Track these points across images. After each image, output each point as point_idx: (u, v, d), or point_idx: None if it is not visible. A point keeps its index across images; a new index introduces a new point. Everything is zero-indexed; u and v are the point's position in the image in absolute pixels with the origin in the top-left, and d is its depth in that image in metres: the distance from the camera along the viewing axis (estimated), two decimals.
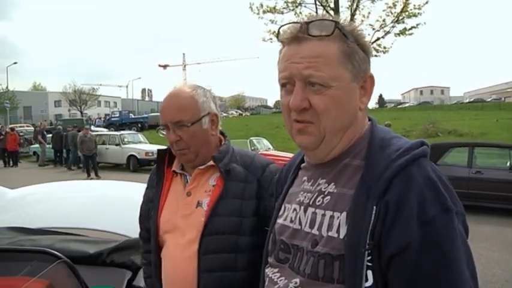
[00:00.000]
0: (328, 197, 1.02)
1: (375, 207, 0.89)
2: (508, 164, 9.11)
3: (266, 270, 1.15)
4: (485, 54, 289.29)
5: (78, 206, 2.74)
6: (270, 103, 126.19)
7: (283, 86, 1.04)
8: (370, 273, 0.88)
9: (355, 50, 1.00)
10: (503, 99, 61.17)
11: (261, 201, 1.52)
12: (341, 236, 0.94)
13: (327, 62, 0.97)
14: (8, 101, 33.89)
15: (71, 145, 18.40)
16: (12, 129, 22.07)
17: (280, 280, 1.06)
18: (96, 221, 2.52)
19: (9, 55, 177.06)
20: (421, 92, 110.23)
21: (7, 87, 46.18)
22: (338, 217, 0.97)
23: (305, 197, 1.08)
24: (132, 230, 2.39)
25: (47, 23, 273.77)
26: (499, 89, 76.48)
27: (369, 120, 1.10)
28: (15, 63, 40.05)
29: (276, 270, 1.10)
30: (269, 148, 14.06)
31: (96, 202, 2.84)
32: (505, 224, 7.95)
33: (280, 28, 1.07)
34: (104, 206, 2.77)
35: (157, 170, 1.71)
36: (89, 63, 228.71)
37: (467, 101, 68.29)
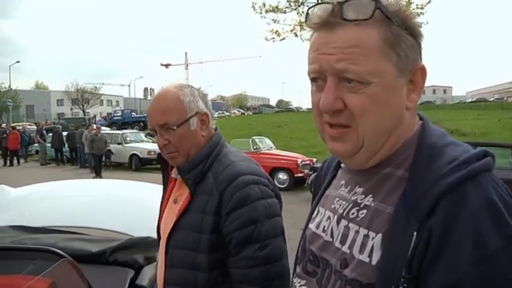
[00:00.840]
0: (364, 211, 0.87)
1: (415, 233, 0.73)
2: (510, 163, 9.09)
3: (294, 279, 1.03)
4: (487, 53, 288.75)
5: (81, 205, 2.75)
6: (272, 102, 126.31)
7: (313, 80, 0.87)
8: None
9: (401, 36, 0.82)
10: (505, 98, 60.92)
11: (220, 217, 1.38)
12: (373, 262, 0.80)
13: (365, 53, 0.80)
14: (11, 99, 33.96)
15: (78, 143, 18.41)
16: (13, 127, 22.01)
17: None
18: (99, 220, 2.52)
19: (11, 54, 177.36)
20: (424, 92, 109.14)
21: (10, 86, 46.30)
22: (373, 238, 0.82)
23: (340, 205, 0.95)
24: (134, 228, 2.40)
25: (50, 21, 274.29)
26: (501, 89, 76.17)
27: (420, 119, 0.91)
28: (17, 62, 40.12)
29: (303, 282, 0.99)
30: (271, 147, 14.03)
31: (99, 201, 2.85)
32: None
33: (308, 10, 0.88)
34: (106, 204, 2.78)
35: (163, 174, 1.67)
36: (92, 62, 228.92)
37: (469, 100, 68.15)
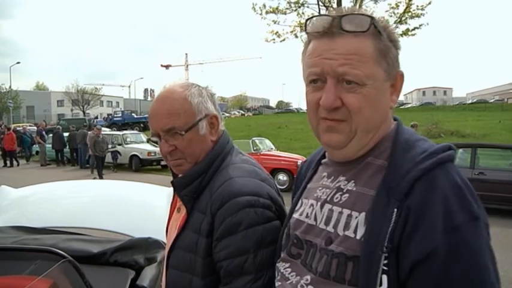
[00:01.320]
0: (347, 195, 0.99)
1: (395, 209, 0.86)
2: (511, 165, 9.10)
3: (278, 264, 1.11)
4: (488, 55, 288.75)
5: (82, 206, 2.75)
6: (272, 103, 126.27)
7: (311, 82, 0.99)
8: (385, 277, 0.85)
9: (389, 48, 0.97)
10: (506, 100, 60.93)
11: (212, 241, 1.23)
12: (358, 237, 0.91)
13: (363, 59, 0.93)
14: (11, 100, 33.98)
15: (80, 144, 18.39)
16: (8, 128, 21.75)
17: (292, 276, 1.04)
18: (99, 221, 2.52)
19: (11, 54, 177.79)
20: (424, 93, 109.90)
21: (10, 86, 46.32)
22: (356, 217, 0.94)
23: (323, 192, 1.05)
24: (135, 229, 2.40)
25: (50, 22, 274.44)
26: (502, 90, 76.24)
27: (395, 120, 1.06)
28: (18, 63, 40.07)
29: (287, 265, 1.07)
30: (271, 148, 14.03)
31: (100, 202, 2.85)
32: (508, 225, 7.92)
33: (307, 20, 1.00)
34: (107, 205, 2.78)
35: (173, 176, 1.46)
36: (92, 63, 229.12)
37: (470, 101, 68.08)
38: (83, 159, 18.41)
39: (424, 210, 0.84)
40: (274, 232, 1.20)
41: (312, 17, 1.01)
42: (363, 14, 0.96)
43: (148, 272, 2.01)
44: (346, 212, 0.97)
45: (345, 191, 1.00)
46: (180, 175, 1.35)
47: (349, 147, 0.99)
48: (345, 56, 0.93)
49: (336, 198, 1.01)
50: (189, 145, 1.30)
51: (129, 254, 2.13)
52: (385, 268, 0.85)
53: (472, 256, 0.82)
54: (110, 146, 16.81)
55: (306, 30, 1.01)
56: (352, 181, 1.00)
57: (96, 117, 47.45)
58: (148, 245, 2.21)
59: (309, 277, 0.99)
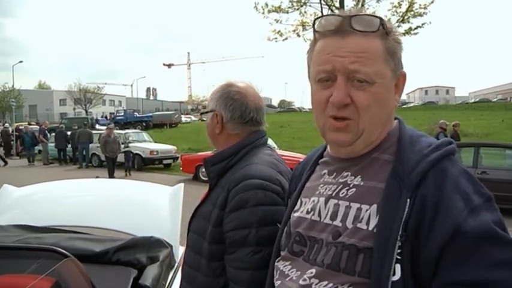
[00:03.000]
0: (354, 189, 1.00)
1: (408, 199, 0.88)
2: None
3: (277, 263, 1.12)
4: (491, 53, 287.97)
5: (84, 205, 2.76)
6: (275, 102, 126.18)
7: (320, 80, 1.00)
8: (398, 267, 0.86)
9: (396, 48, 1.00)
10: (509, 99, 60.80)
11: (223, 214, 1.43)
12: (370, 228, 0.93)
13: (373, 57, 0.96)
14: (14, 99, 34.05)
15: (80, 143, 18.39)
16: None
17: (292, 272, 1.05)
18: (102, 220, 2.53)
19: (14, 53, 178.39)
20: (426, 92, 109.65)
21: (13, 85, 46.40)
22: (367, 209, 0.95)
23: (326, 189, 1.06)
24: (137, 228, 2.40)
25: (52, 21, 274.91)
26: (504, 89, 76.05)
27: (395, 118, 1.09)
28: (20, 61, 40.11)
29: (287, 263, 1.08)
30: (274, 147, 14.00)
31: (102, 201, 2.86)
32: (511, 225, 7.91)
33: (316, 19, 1.03)
34: (109, 204, 2.79)
35: None
36: (94, 61, 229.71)
37: (472, 101, 67.88)
38: (81, 158, 18.40)
39: (441, 197, 0.87)
40: (276, 214, 1.36)
41: (320, 16, 1.03)
42: (370, 15, 0.99)
43: (151, 271, 2.02)
44: (355, 205, 0.97)
45: (351, 185, 1.01)
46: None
47: (357, 144, 1.01)
48: (356, 54, 0.95)
49: (342, 193, 1.02)
50: (206, 127, 1.66)
51: (132, 253, 2.13)
52: (398, 257, 0.87)
53: (498, 232, 0.84)
54: (122, 146, 15.74)
55: (314, 29, 1.03)
56: (359, 176, 1.01)
57: (106, 117, 47.26)
58: (151, 244, 2.22)
59: (313, 270, 0.99)
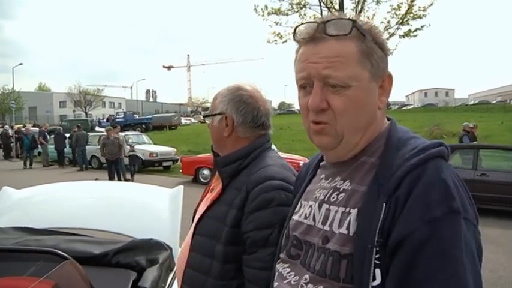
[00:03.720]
0: (343, 194, 1.01)
1: (384, 204, 0.88)
2: None
3: (277, 265, 1.14)
4: (490, 56, 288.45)
5: (84, 207, 2.76)
6: (274, 105, 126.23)
7: (301, 87, 1.04)
8: (378, 271, 0.87)
9: (373, 49, 0.99)
10: (508, 101, 60.87)
11: (242, 214, 1.43)
12: (350, 233, 0.93)
13: (346, 61, 0.97)
14: (14, 101, 34.04)
15: (74, 145, 18.38)
16: None
17: (290, 275, 1.06)
18: (101, 222, 2.53)
19: (14, 55, 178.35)
20: (426, 94, 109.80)
21: (13, 87, 46.40)
22: (350, 213, 0.96)
23: (320, 193, 1.08)
24: (137, 230, 2.40)
25: (52, 23, 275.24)
26: (504, 91, 76.10)
27: (388, 120, 1.09)
28: (20, 64, 40.06)
29: (286, 265, 1.10)
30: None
31: (102, 203, 2.85)
32: (510, 227, 7.89)
33: (296, 28, 1.05)
34: (109, 206, 2.78)
35: (213, 164, 1.74)
36: (94, 64, 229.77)
37: (472, 103, 68.03)
38: (80, 160, 18.40)
39: (407, 201, 0.86)
40: None
41: (299, 25, 1.05)
42: (344, 18, 1.00)
43: (150, 274, 2.01)
44: (341, 210, 0.99)
45: (341, 190, 1.03)
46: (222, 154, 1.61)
47: (339, 148, 1.03)
48: (329, 59, 0.97)
49: (333, 197, 1.03)
50: (210, 128, 1.64)
51: (131, 255, 2.13)
52: (377, 262, 0.87)
53: (444, 248, 0.82)
54: (127, 149, 15.11)
55: (294, 38, 1.06)
56: (348, 180, 1.02)
57: (107, 119, 47.07)
58: (150, 247, 2.22)
59: (307, 276, 1.01)
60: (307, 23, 1.04)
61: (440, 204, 0.84)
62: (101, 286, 1.65)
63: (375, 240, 0.87)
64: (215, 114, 1.59)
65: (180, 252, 1.67)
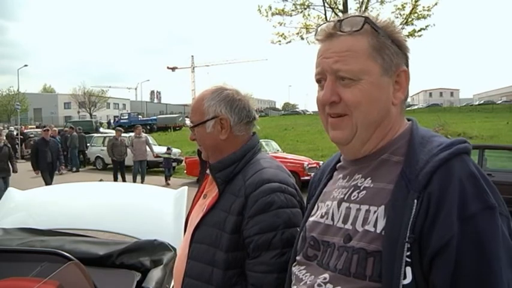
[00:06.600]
0: (364, 192, 1.00)
1: (415, 200, 0.87)
2: None
3: (293, 268, 1.13)
4: (495, 55, 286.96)
5: (88, 208, 2.76)
6: (279, 105, 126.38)
7: (317, 81, 1.07)
8: (409, 270, 0.85)
9: (386, 44, 1.01)
10: None
11: (242, 219, 1.41)
12: (378, 230, 0.92)
13: (355, 55, 0.99)
14: (19, 103, 34.20)
15: (70, 147, 18.43)
16: None
17: (306, 276, 1.05)
18: (105, 223, 2.53)
19: (19, 57, 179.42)
20: (430, 94, 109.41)
21: (18, 89, 46.64)
22: (375, 211, 0.94)
23: (339, 192, 1.07)
24: (141, 232, 2.40)
25: (57, 24, 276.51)
26: (509, 91, 75.70)
27: (409, 120, 1.09)
28: (25, 65, 40.19)
29: (302, 267, 1.08)
30: (278, 150, 13.97)
31: (106, 204, 2.86)
32: None
33: (317, 28, 1.09)
34: (113, 208, 2.79)
35: (201, 168, 1.72)
36: (98, 65, 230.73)
37: (477, 103, 67.65)
38: (74, 162, 18.43)
39: (442, 199, 0.85)
40: (298, 217, 1.39)
41: (321, 25, 1.09)
42: (358, 15, 1.03)
43: (154, 274, 2.01)
44: (364, 207, 0.98)
45: (361, 188, 1.01)
46: (214, 161, 1.54)
47: (353, 143, 1.03)
48: (339, 54, 1.00)
49: (353, 196, 1.02)
50: (200, 139, 1.55)
51: (135, 256, 2.13)
52: (408, 260, 0.85)
53: (484, 245, 0.82)
54: (165, 150, 14.68)
55: (315, 37, 1.09)
56: (369, 178, 1.02)
57: (115, 120, 47.15)
58: (155, 248, 2.22)
59: (326, 275, 0.99)
60: (329, 21, 1.08)
61: (475, 200, 0.84)
62: (105, 287, 1.65)
63: (407, 236, 0.86)
64: (206, 121, 1.53)
65: (176, 260, 1.64)
